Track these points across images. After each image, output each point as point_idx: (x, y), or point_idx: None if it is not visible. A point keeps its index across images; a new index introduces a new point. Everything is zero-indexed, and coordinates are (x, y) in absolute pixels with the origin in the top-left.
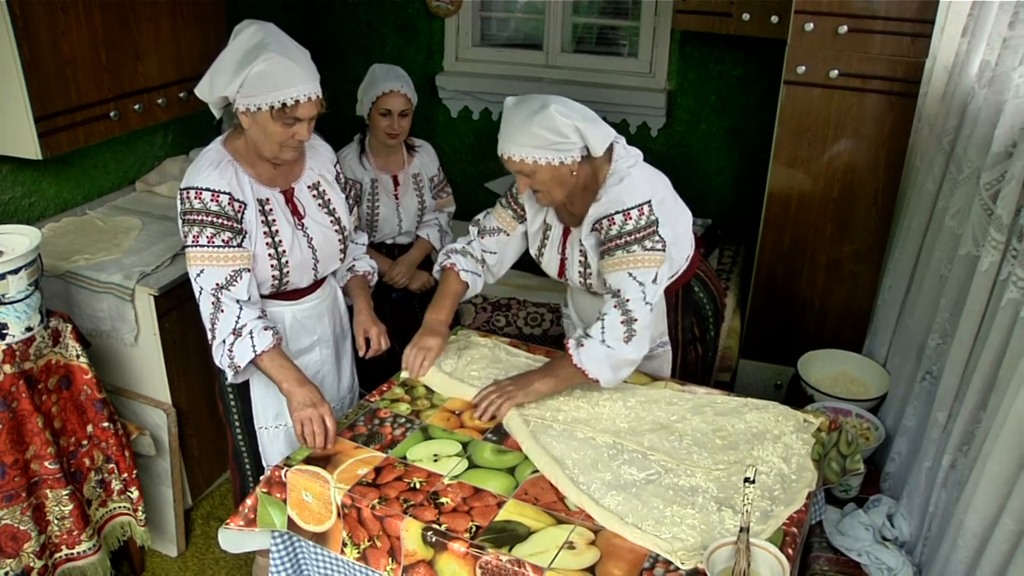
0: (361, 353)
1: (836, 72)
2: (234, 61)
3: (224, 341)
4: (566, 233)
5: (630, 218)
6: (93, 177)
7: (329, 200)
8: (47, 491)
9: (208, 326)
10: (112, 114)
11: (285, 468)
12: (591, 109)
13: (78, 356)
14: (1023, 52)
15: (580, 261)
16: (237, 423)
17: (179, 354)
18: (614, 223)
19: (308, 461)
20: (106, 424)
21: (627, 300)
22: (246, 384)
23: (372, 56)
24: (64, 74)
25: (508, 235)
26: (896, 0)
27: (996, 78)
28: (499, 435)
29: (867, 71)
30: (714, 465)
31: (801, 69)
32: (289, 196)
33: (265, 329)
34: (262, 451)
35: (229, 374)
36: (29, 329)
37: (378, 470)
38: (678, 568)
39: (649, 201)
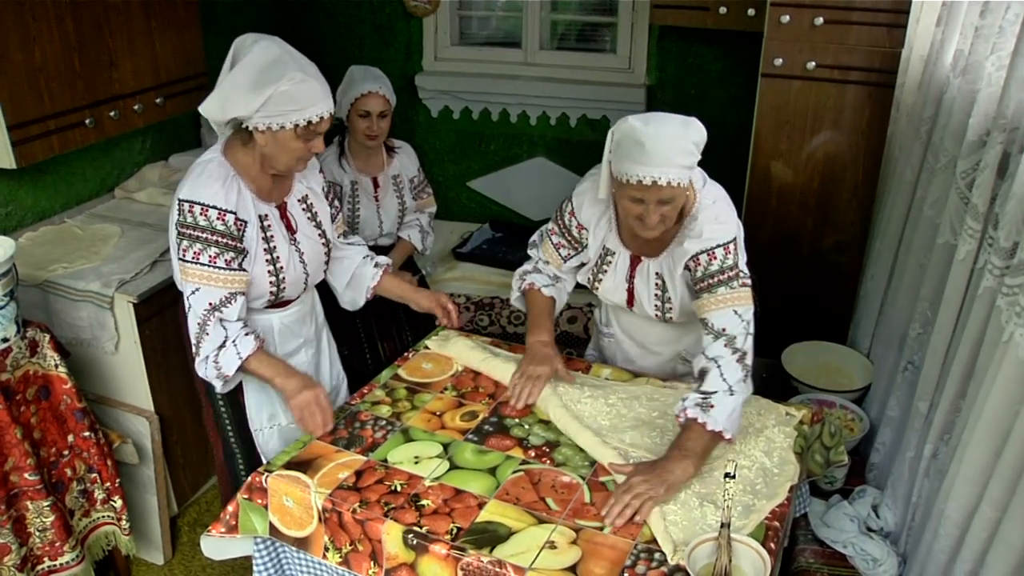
0: (446, 323)
1: (813, 64)
2: (250, 81)
3: (208, 357)
4: (634, 261)
5: (729, 252)
6: (71, 185)
7: (316, 213)
8: (28, 503)
9: (193, 341)
10: (87, 121)
11: (266, 473)
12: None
13: (57, 366)
14: (994, 41)
15: (656, 295)
16: (229, 428)
17: (161, 361)
18: (715, 258)
19: (289, 466)
20: (87, 433)
21: (734, 338)
22: (238, 389)
23: (350, 57)
24: (37, 81)
25: (552, 268)
26: None
27: (969, 67)
28: (480, 435)
29: (844, 62)
30: None
31: (779, 61)
32: (283, 211)
33: (246, 335)
34: (260, 452)
35: (218, 384)
36: (5, 340)
37: (359, 473)
38: (660, 566)
39: (736, 236)
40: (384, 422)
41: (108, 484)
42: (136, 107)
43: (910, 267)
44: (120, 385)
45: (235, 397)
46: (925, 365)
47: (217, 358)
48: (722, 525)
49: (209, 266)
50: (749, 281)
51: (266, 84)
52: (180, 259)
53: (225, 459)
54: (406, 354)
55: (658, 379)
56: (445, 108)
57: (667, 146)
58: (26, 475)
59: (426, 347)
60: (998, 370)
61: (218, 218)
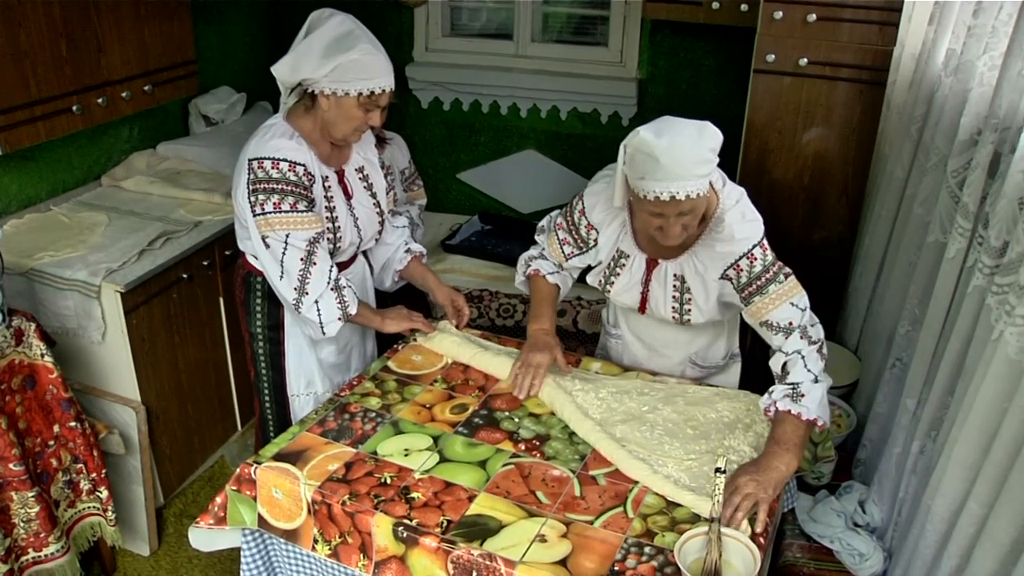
0: (455, 322)
1: (805, 60)
2: (323, 47)
3: (321, 297)
4: (651, 264)
5: (766, 250)
6: (57, 172)
7: (372, 184)
8: (12, 493)
9: (295, 284)
10: (74, 108)
11: (255, 465)
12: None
13: (43, 355)
14: (987, 41)
15: (674, 296)
16: (266, 391)
17: (148, 351)
18: (755, 259)
19: (278, 458)
20: (73, 423)
21: (805, 328)
22: (279, 353)
23: None
24: (22, 67)
25: (553, 263)
26: None
27: (961, 66)
28: (470, 428)
29: (836, 59)
30: (685, 455)
31: (771, 57)
32: (340, 177)
33: (348, 279)
34: (293, 418)
35: (335, 326)
36: None
37: (348, 465)
38: (650, 560)
39: (764, 230)
40: (374, 414)
41: (94, 475)
42: (124, 94)
43: (899, 265)
44: (106, 375)
45: (277, 361)
46: (913, 362)
47: (338, 298)
48: (712, 520)
49: (292, 212)
50: (789, 269)
51: (338, 52)
52: (260, 214)
53: (260, 423)
54: (396, 346)
55: (648, 373)
56: (435, 99)
57: (683, 159)
58: (11, 465)
59: (414, 339)
60: (987, 368)
61: (289, 169)
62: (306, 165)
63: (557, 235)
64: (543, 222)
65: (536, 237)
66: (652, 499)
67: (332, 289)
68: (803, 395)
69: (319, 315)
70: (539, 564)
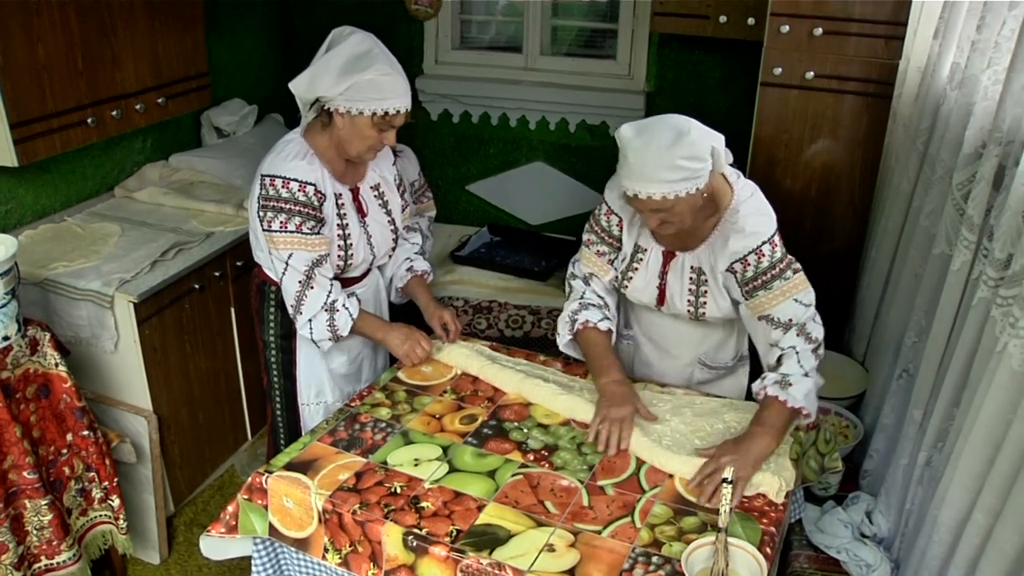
0: (444, 340)
1: (812, 74)
2: (340, 66)
3: (314, 317)
4: (667, 257)
5: (776, 246)
6: (71, 183)
7: (387, 201)
8: (25, 501)
9: (292, 303)
10: (89, 120)
11: (266, 474)
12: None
13: (57, 365)
14: (990, 55)
15: (690, 289)
16: (278, 398)
17: (160, 360)
18: (763, 256)
19: (289, 467)
20: (86, 432)
21: (804, 325)
22: (291, 362)
23: None
24: (40, 80)
25: (600, 279)
26: (870, 2)
27: (966, 80)
28: (479, 439)
29: (842, 72)
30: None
31: (777, 71)
32: (355, 194)
33: (349, 296)
34: (303, 426)
35: (327, 344)
36: (6, 338)
37: (359, 475)
38: (657, 570)
39: (777, 227)
40: (384, 424)
41: (106, 483)
42: (138, 106)
43: (905, 276)
44: (119, 384)
45: (289, 370)
46: (919, 373)
47: (330, 320)
48: (719, 529)
49: (297, 232)
50: (799, 265)
51: (354, 71)
52: (267, 231)
53: (271, 429)
54: None
55: (656, 384)
56: (445, 112)
57: (649, 162)
58: (25, 473)
59: None
60: (992, 379)
61: (299, 189)
62: (316, 184)
63: (592, 251)
64: (569, 269)
65: (570, 283)
66: (660, 509)
67: (326, 311)
68: (791, 384)
69: (311, 333)
70: (547, 573)
